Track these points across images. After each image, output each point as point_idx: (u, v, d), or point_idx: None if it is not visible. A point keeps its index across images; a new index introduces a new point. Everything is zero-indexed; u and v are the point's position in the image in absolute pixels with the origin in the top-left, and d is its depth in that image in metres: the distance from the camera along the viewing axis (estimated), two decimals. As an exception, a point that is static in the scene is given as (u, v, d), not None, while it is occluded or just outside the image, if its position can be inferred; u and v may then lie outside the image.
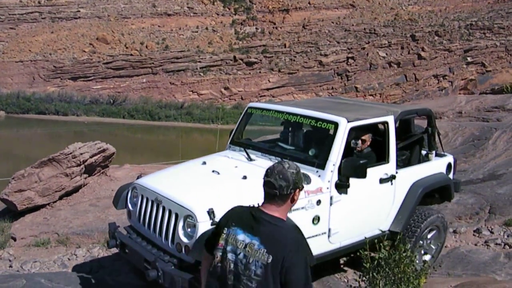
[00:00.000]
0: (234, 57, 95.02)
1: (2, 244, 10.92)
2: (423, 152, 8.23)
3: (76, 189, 13.38)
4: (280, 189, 3.71)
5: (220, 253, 3.85)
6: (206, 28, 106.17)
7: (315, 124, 6.82)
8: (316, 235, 6.22)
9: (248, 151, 7.14)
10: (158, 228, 5.86)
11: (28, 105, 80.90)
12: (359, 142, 6.89)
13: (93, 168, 13.90)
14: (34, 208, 12.43)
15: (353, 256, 7.98)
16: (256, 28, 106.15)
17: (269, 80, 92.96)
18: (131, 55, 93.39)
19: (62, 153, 12.90)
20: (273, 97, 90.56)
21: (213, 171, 6.52)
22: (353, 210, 6.68)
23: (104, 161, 14.24)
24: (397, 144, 7.51)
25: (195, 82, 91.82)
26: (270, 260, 3.60)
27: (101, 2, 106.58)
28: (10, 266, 9.74)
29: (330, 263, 7.65)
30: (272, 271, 3.61)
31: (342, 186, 6.30)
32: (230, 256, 3.78)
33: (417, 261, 7.06)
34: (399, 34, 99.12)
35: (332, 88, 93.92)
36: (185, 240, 5.48)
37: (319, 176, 6.27)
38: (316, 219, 6.16)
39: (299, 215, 5.88)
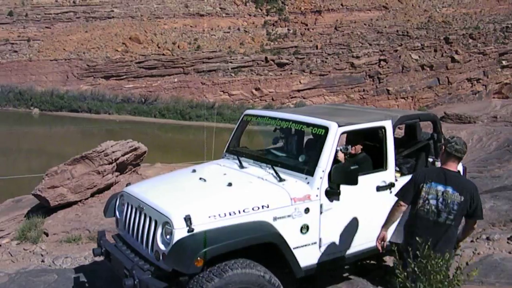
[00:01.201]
0: (266, 58, 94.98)
1: (35, 239, 11.09)
2: (430, 160, 7.84)
3: (107, 187, 13.49)
4: (463, 154, 5.71)
5: (422, 200, 5.75)
6: (238, 29, 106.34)
7: (307, 129, 6.64)
8: (305, 245, 5.93)
9: (242, 159, 6.98)
10: (140, 235, 5.73)
11: (61, 103, 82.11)
12: (350, 147, 6.57)
13: (124, 166, 14.01)
14: (66, 204, 12.57)
15: (359, 264, 7.83)
16: (288, 29, 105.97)
17: (300, 82, 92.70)
18: (163, 54, 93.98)
19: (95, 151, 13.04)
20: (304, 98, 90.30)
21: (200, 178, 6.39)
22: (347, 219, 6.39)
23: (135, 160, 14.35)
24: (401, 151, 7.38)
25: (226, 82, 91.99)
26: (462, 199, 5.64)
27: (134, 2, 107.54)
28: (42, 261, 9.88)
29: (335, 273, 7.52)
30: (463, 206, 5.67)
31: (332, 194, 6.01)
32: (432, 201, 5.72)
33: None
34: (433, 37, 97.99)
35: (364, 91, 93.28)
36: (162, 247, 5.31)
37: (308, 183, 5.98)
38: (304, 228, 5.88)
39: (285, 223, 5.67)
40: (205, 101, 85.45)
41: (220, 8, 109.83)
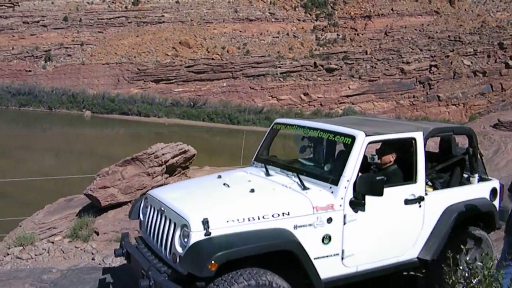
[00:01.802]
0: (315, 63, 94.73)
1: (86, 237, 11.28)
2: (466, 176, 7.55)
3: (157, 188, 13.58)
4: None
5: None
6: (287, 34, 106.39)
7: (333, 138, 6.52)
8: (327, 256, 5.75)
9: (269, 167, 6.89)
10: (160, 238, 5.73)
11: (112, 106, 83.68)
12: (376, 157, 6.33)
13: (174, 168, 14.09)
14: (116, 204, 12.72)
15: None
16: (337, 35, 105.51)
17: (349, 87, 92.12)
18: (213, 59, 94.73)
19: (145, 152, 13.17)
20: (353, 104, 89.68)
21: (224, 184, 6.35)
22: (372, 232, 6.13)
23: (184, 162, 14.41)
24: (434, 165, 7.13)
25: (274, 87, 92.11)
26: None
27: (184, 7, 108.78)
28: (93, 259, 10.05)
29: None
30: None
31: (357, 204, 5.81)
32: None
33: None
34: (486, 42, 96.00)
35: (414, 97, 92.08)
36: (179, 250, 5.26)
37: (332, 192, 5.82)
38: (326, 238, 5.71)
39: (306, 232, 5.53)
40: (254, 106, 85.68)
41: (270, 13, 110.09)
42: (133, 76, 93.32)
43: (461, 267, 6.46)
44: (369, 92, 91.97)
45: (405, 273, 7.54)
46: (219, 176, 6.82)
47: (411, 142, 6.55)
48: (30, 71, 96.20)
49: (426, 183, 6.68)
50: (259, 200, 5.67)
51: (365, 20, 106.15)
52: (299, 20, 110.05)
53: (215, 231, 5.08)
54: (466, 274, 6.69)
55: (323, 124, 6.90)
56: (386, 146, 6.79)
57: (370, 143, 6.09)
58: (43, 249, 10.86)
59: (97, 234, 11.63)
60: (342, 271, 5.91)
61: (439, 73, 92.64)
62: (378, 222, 6.15)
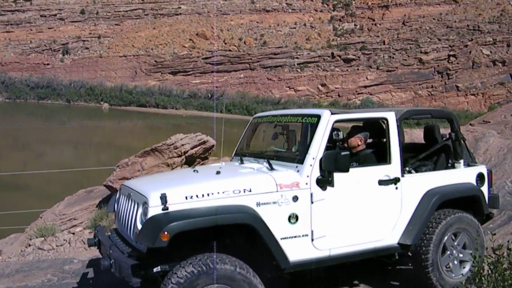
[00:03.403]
0: (332, 53, 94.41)
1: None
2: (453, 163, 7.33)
3: (176, 179, 13.54)
4: None
5: None
6: (304, 24, 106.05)
7: (302, 121, 6.38)
8: (295, 236, 5.61)
9: (245, 158, 6.90)
10: (126, 221, 5.73)
11: (130, 98, 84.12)
12: (340, 133, 5.90)
13: (193, 159, 14.04)
14: (136, 195, 12.71)
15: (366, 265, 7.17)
16: (354, 25, 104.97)
17: (367, 78, 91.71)
18: (230, 50, 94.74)
19: (165, 143, 13.12)
20: (371, 94, 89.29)
21: (194, 170, 6.39)
22: (343, 213, 5.98)
23: (204, 153, 14.34)
24: (415, 155, 6.96)
25: (292, 78, 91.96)
26: None
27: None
28: (113, 251, 10.03)
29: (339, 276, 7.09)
30: None
31: (324, 182, 5.70)
32: None
33: (453, 275, 6.50)
34: (506, 31, 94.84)
35: (432, 87, 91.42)
36: (139, 227, 5.25)
37: (298, 171, 5.71)
38: (293, 218, 5.58)
39: (270, 210, 5.43)
40: (271, 97, 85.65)
41: (286, 3, 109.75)
42: (150, 68, 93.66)
43: (448, 252, 6.52)
44: (387, 83, 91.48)
45: (399, 266, 7.37)
46: (194, 166, 6.88)
47: (383, 123, 6.50)
48: (48, 64, 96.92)
49: (409, 171, 6.59)
50: (221, 179, 5.62)
51: (383, 10, 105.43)
52: (316, 11, 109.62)
53: (173, 206, 5.07)
54: (455, 261, 6.61)
55: (292, 110, 7.00)
56: (353, 129, 6.77)
57: (336, 121, 6.00)
58: (64, 240, 10.89)
59: (118, 225, 11.62)
60: (313, 253, 5.77)
61: (457, 63, 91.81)
62: (350, 203, 6.02)
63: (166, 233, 4.77)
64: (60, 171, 26.29)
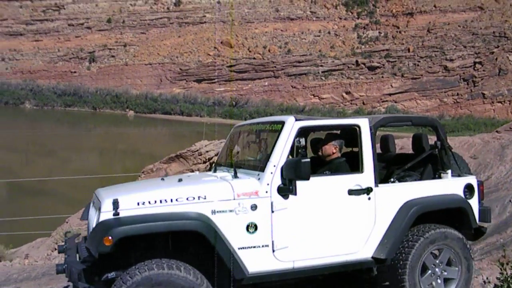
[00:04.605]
0: (356, 61, 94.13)
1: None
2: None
3: (200, 185, 13.63)
4: None
5: None
6: (329, 32, 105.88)
7: (269, 128, 6.21)
8: (254, 247, 5.40)
9: (219, 167, 6.82)
10: (90, 227, 5.63)
11: (155, 106, 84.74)
12: (303, 140, 5.56)
13: (217, 165, 14.14)
14: (161, 201, 12.82)
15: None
16: (379, 32, 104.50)
17: (391, 85, 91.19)
18: (254, 58, 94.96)
19: (189, 150, 13.27)
20: (396, 102, 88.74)
21: (161, 179, 6.34)
22: (309, 223, 5.68)
23: (227, 159, 14.44)
24: (402, 160, 6.69)
25: (316, 86, 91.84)
26: None
27: (225, 7, 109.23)
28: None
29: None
30: None
31: (285, 191, 5.45)
32: None
33: None
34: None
35: (457, 94, 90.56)
36: None
37: (259, 179, 5.50)
38: (251, 227, 5.38)
39: (227, 218, 5.28)
40: (295, 105, 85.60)
41: (311, 11, 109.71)
42: (175, 76, 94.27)
43: (429, 271, 6.10)
44: (411, 90, 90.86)
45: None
46: (162, 178, 6.74)
47: (355, 131, 6.16)
48: (75, 72, 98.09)
49: (393, 182, 6.31)
50: (179, 186, 5.55)
51: (407, 17, 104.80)
52: (340, 19, 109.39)
53: (124, 212, 5.01)
54: (439, 280, 6.16)
55: (265, 118, 6.74)
56: (327, 136, 6.56)
57: (301, 128, 5.77)
58: (89, 244, 11.00)
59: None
60: (274, 265, 5.53)
61: (483, 70, 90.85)
62: (316, 213, 5.72)
63: (110, 238, 4.73)
64: (85, 177, 26.58)
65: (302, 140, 5.52)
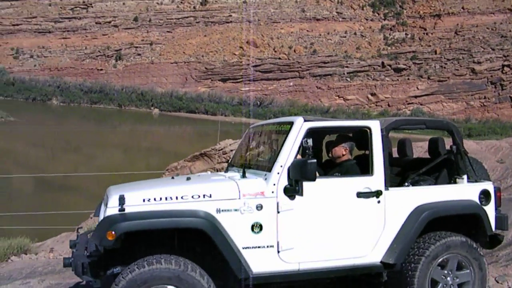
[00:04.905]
0: (382, 63, 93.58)
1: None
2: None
3: (224, 184, 13.65)
4: None
5: None
6: (355, 33, 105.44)
7: (279, 128, 6.19)
8: (259, 247, 5.39)
9: (231, 168, 6.80)
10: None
11: (180, 104, 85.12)
12: (310, 141, 5.45)
13: (241, 164, 14.13)
14: (184, 199, 12.85)
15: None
16: (405, 34, 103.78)
17: (417, 87, 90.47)
18: (279, 58, 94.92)
19: (214, 148, 13.28)
20: (421, 105, 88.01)
21: (172, 178, 6.37)
22: (315, 224, 5.63)
23: (252, 158, 14.43)
24: (419, 165, 6.54)
25: (341, 87, 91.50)
26: None
27: (252, 7, 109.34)
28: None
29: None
30: None
31: (291, 191, 5.43)
32: None
33: None
34: None
35: (485, 98, 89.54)
36: None
37: (266, 179, 5.49)
38: (256, 227, 5.37)
39: (232, 217, 5.29)
40: (320, 105, 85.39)
41: (337, 12, 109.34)
42: (200, 75, 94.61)
43: (440, 284, 5.94)
44: (438, 93, 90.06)
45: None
46: (173, 177, 6.76)
47: (366, 133, 6.08)
48: (101, 70, 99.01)
49: (406, 186, 6.24)
50: (185, 184, 5.58)
51: (435, 19, 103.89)
52: (366, 20, 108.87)
53: (129, 208, 5.08)
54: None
55: (278, 119, 6.70)
56: (338, 138, 6.52)
57: (310, 129, 5.72)
58: (112, 239, 11.08)
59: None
60: (279, 266, 5.51)
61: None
62: (323, 214, 5.68)
63: (113, 232, 4.80)
64: (110, 174, 26.79)
65: (310, 141, 5.46)
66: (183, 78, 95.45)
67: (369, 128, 6.03)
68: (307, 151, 5.40)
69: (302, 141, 5.55)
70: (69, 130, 57.47)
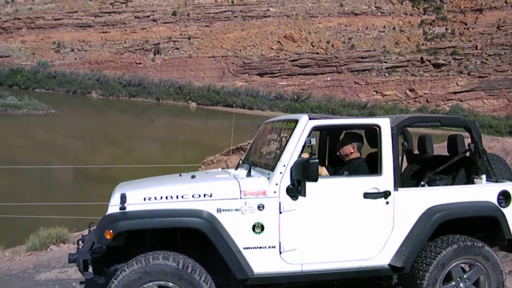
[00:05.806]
0: (421, 58, 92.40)
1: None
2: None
3: (260, 178, 13.71)
4: None
5: None
6: (393, 28, 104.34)
7: (285, 126, 6.00)
8: (260, 247, 5.29)
9: (242, 165, 6.58)
10: None
11: (217, 98, 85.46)
12: (314, 139, 5.32)
13: (277, 158, 14.16)
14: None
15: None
16: (446, 29, 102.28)
17: (457, 84, 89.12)
18: (317, 53, 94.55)
19: (249, 142, 13.30)
20: (461, 101, 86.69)
21: (180, 175, 6.23)
22: (319, 225, 5.48)
23: (288, 152, 14.45)
24: (438, 163, 6.27)
25: (379, 82, 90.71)
26: None
27: (290, 1, 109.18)
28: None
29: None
30: None
31: (294, 191, 5.28)
32: None
33: None
34: None
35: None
36: None
37: (268, 178, 5.37)
38: (258, 227, 5.27)
39: (232, 217, 5.21)
40: (358, 101, 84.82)
41: (376, 7, 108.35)
42: (238, 69, 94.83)
43: (453, 282, 5.73)
44: (478, 89, 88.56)
45: None
46: (181, 174, 6.63)
47: (375, 131, 5.88)
48: (140, 63, 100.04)
49: (422, 185, 6.06)
50: (187, 183, 5.51)
51: (476, 14, 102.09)
52: (406, 14, 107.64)
53: (130, 207, 5.10)
54: None
55: (284, 116, 6.58)
56: (346, 136, 6.37)
57: (314, 127, 5.60)
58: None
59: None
60: (281, 267, 5.41)
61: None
62: (327, 215, 5.52)
63: (111, 231, 4.85)
64: (147, 166, 27.07)
65: (313, 140, 5.35)
66: (221, 72, 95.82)
67: (378, 126, 5.83)
68: (310, 150, 5.31)
69: (306, 140, 5.43)
70: (108, 122, 58.22)
